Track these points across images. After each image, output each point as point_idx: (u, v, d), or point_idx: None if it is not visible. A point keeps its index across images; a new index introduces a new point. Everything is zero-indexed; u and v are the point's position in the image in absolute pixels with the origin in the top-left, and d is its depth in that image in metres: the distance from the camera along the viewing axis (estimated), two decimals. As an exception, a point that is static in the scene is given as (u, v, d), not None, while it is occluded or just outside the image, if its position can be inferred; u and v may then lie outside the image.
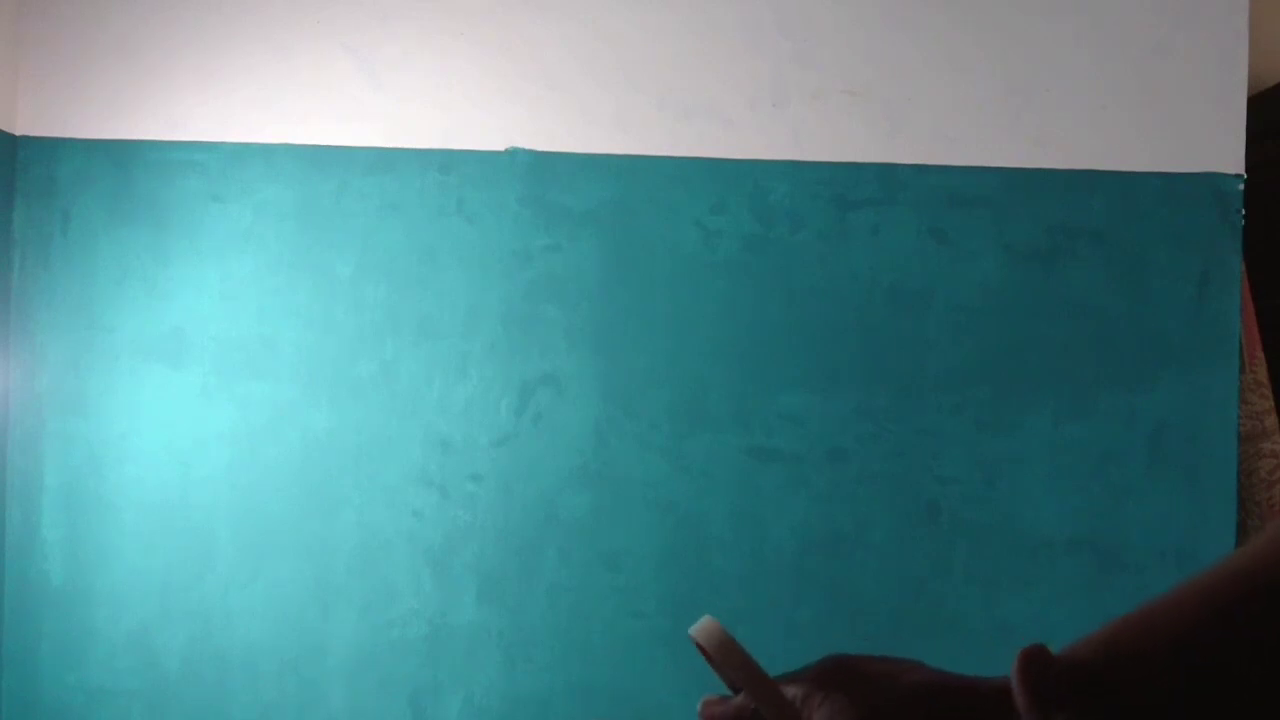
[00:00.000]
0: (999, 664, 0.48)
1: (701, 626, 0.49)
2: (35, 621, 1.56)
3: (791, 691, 0.48)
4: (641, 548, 1.52)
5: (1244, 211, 1.50)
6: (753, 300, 1.52)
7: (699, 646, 0.50)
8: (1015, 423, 1.50)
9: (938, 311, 1.51)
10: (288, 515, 1.54)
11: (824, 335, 1.51)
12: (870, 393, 1.50)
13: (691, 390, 1.52)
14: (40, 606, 1.56)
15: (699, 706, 0.51)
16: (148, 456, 1.55)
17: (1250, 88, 1.51)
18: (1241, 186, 1.49)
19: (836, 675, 0.48)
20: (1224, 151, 1.50)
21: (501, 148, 1.55)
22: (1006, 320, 1.51)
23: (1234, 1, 1.50)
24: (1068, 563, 1.49)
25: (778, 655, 0.48)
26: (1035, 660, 0.45)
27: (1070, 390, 1.50)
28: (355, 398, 1.54)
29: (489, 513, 1.53)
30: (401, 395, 1.54)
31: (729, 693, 0.50)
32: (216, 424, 1.55)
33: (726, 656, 0.48)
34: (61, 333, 1.56)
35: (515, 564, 1.53)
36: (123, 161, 1.57)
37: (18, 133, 1.58)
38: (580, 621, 1.52)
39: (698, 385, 1.52)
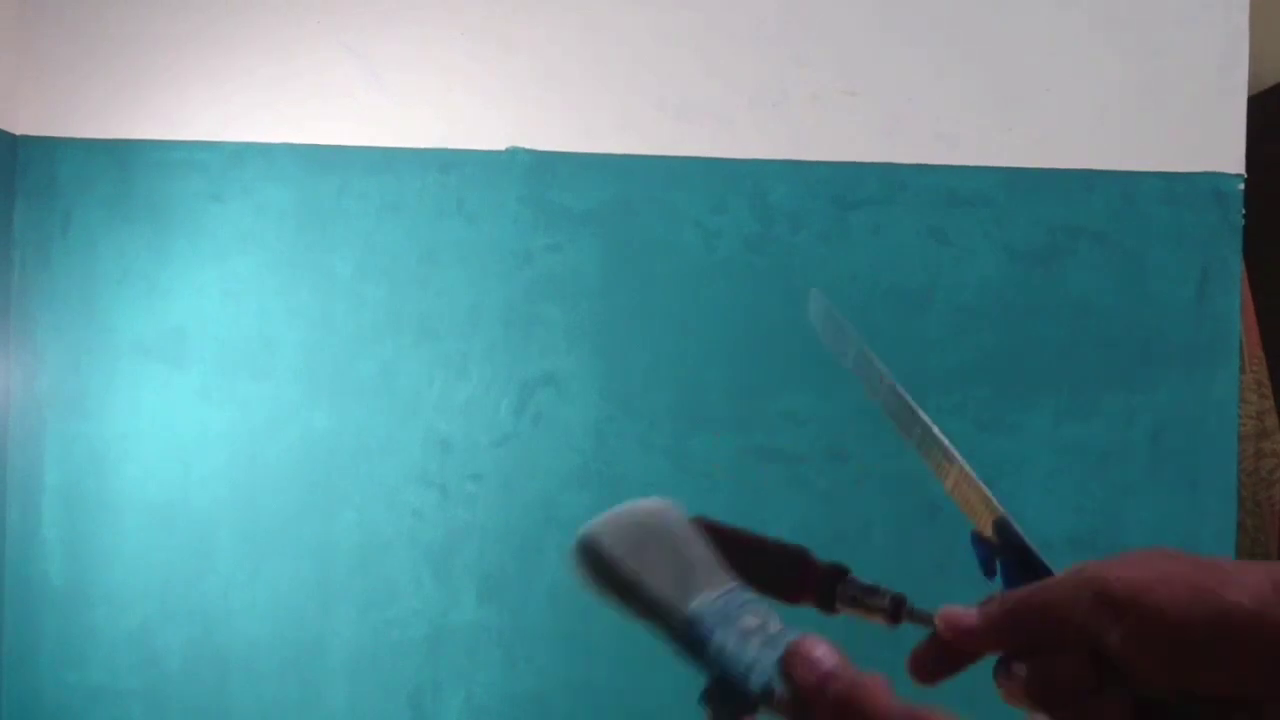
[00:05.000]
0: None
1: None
2: (35, 621, 1.56)
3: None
4: (641, 548, 1.51)
5: (1244, 211, 1.50)
6: (753, 300, 1.52)
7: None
8: (1015, 423, 1.50)
9: (938, 311, 1.51)
10: (288, 515, 1.54)
11: (824, 335, 1.51)
12: (870, 393, 1.50)
13: (691, 390, 1.52)
14: (40, 606, 1.56)
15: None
16: (148, 456, 1.55)
17: (1250, 88, 1.51)
18: (1241, 186, 1.49)
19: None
20: (1224, 151, 1.50)
21: (501, 148, 1.55)
22: (1006, 320, 1.51)
23: (1234, 1, 1.50)
24: (1068, 562, 1.49)
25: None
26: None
27: (1070, 390, 1.50)
28: (355, 398, 1.54)
29: (489, 513, 1.53)
30: (401, 395, 1.54)
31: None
32: (216, 424, 1.55)
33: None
34: (61, 333, 1.56)
35: (515, 564, 1.53)
36: (123, 161, 1.57)
37: (18, 133, 1.58)
38: (580, 621, 1.52)
39: (698, 385, 1.52)
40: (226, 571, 1.54)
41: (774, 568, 0.49)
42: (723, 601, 0.46)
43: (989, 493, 0.48)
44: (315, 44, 1.56)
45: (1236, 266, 1.50)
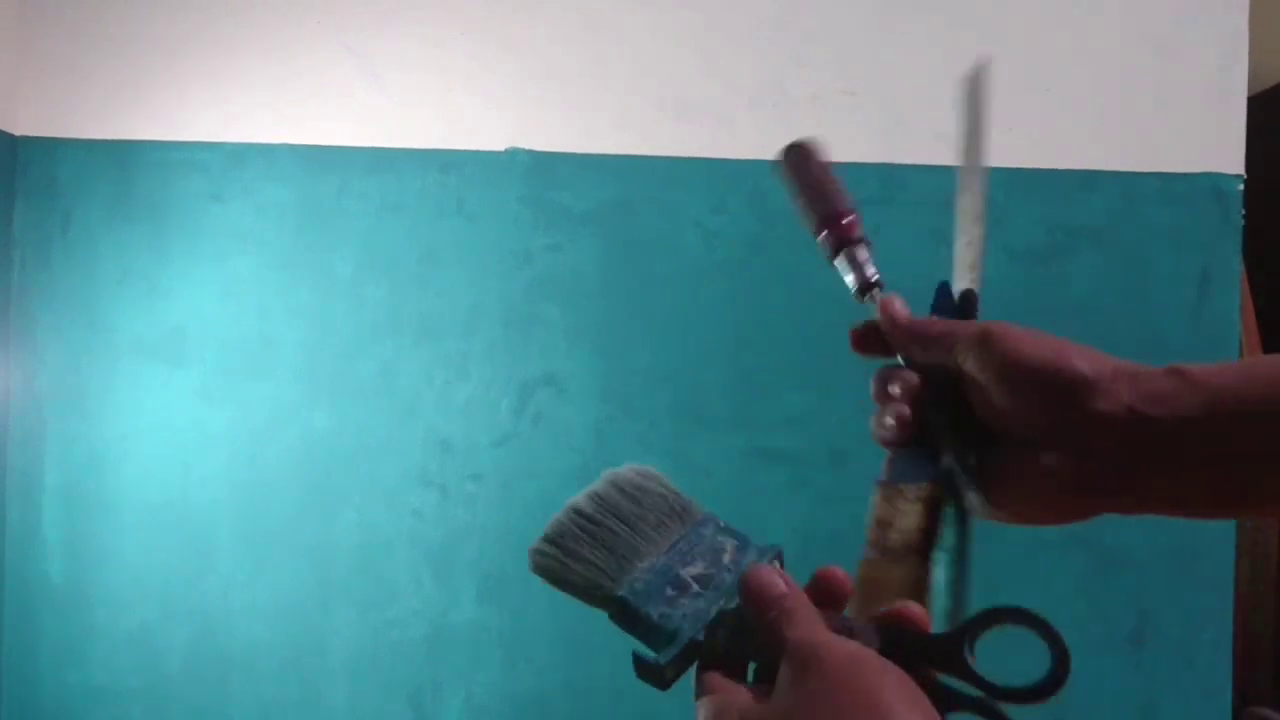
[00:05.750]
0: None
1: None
2: (35, 621, 1.56)
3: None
4: (641, 548, 1.51)
5: (1244, 211, 1.49)
6: (753, 300, 1.52)
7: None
8: (1015, 423, 1.49)
9: (938, 311, 1.51)
10: (288, 515, 1.54)
11: (824, 335, 1.51)
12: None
13: (691, 390, 1.52)
14: (40, 606, 1.56)
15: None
16: (148, 456, 1.55)
17: (1250, 88, 1.51)
18: (1241, 186, 1.49)
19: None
20: (1224, 151, 1.50)
21: (501, 148, 1.55)
22: (1006, 320, 1.50)
23: (1234, 1, 1.50)
24: (1067, 562, 1.49)
25: (777, 655, 0.48)
26: None
27: (1070, 390, 1.49)
28: (355, 398, 1.54)
29: (489, 513, 1.53)
30: (401, 395, 1.54)
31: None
32: (216, 424, 1.55)
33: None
34: (61, 333, 1.56)
35: (515, 564, 1.52)
36: (123, 161, 1.57)
37: (18, 133, 1.58)
38: (580, 621, 1.51)
39: (698, 385, 1.52)
40: (226, 571, 1.54)
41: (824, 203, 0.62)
42: (662, 563, 0.50)
43: (980, 266, 0.60)
44: (315, 44, 1.56)
45: (1236, 266, 1.50)
